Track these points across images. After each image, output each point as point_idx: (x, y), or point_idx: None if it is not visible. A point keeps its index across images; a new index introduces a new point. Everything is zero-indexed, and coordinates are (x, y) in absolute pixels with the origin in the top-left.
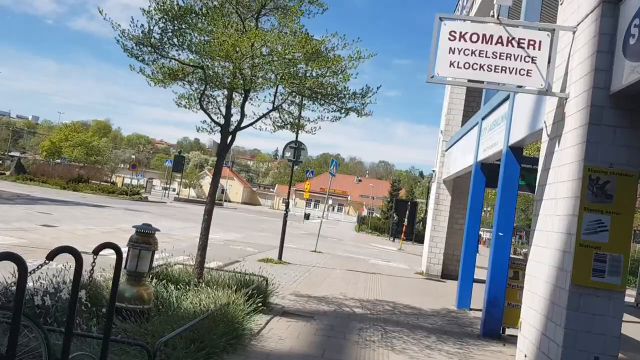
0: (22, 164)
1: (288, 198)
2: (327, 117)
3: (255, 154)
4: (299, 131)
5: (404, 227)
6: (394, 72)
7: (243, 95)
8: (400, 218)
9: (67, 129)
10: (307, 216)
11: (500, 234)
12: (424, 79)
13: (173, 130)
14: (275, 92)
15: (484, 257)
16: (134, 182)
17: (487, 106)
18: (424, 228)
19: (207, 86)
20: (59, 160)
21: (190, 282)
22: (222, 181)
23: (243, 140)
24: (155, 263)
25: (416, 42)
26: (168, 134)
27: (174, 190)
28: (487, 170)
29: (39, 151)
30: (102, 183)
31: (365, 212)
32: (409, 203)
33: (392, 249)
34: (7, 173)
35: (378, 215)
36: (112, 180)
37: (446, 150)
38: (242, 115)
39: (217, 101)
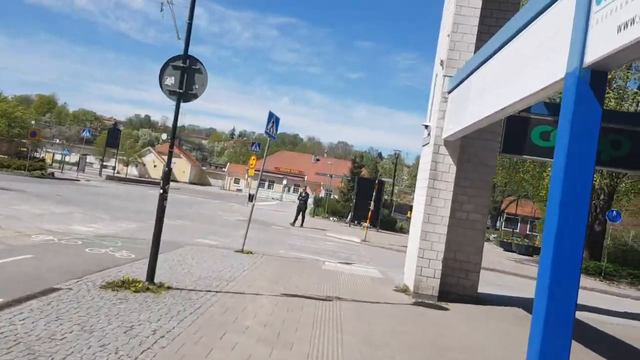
0: None
1: (168, 166)
2: None
3: (211, 132)
4: None
5: (370, 212)
6: (356, 53)
7: None
8: (304, 198)
9: None
10: (251, 197)
11: None
12: (387, 60)
13: (128, 108)
14: None
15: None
16: (67, 158)
17: None
18: (390, 212)
19: None
20: None
21: None
22: (166, 158)
23: (197, 119)
24: None
25: (379, 24)
26: (123, 112)
27: (113, 168)
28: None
29: None
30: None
31: (322, 193)
32: (376, 182)
33: (354, 240)
34: None
35: (337, 197)
36: (38, 156)
37: (450, 92)
38: None
39: None
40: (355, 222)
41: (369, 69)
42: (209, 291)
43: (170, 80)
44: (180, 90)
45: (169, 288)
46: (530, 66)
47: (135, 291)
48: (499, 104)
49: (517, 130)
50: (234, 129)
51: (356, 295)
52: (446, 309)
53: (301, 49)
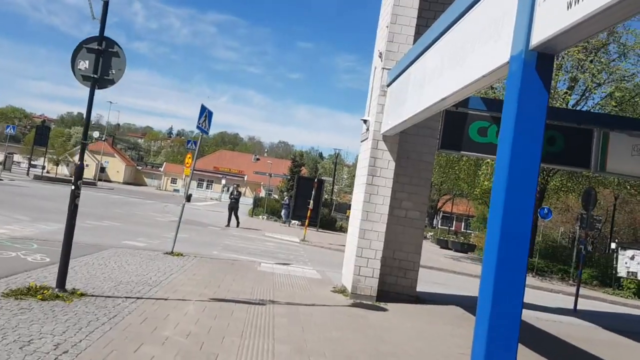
0: None
1: (81, 160)
2: None
3: (147, 131)
4: None
5: (309, 211)
6: (297, 54)
7: None
8: (236, 196)
9: None
10: (188, 198)
11: None
12: (327, 62)
13: (61, 106)
14: None
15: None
16: None
17: None
18: (330, 212)
19: None
20: None
21: None
22: (98, 157)
23: (134, 118)
24: None
25: (319, 25)
26: (55, 110)
27: (43, 167)
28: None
29: None
30: None
31: (262, 193)
32: (316, 181)
33: (293, 240)
34: None
35: (276, 197)
36: None
37: (389, 85)
38: None
39: None
40: (292, 221)
41: (310, 70)
42: (129, 297)
43: (84, 65)
44: (95, 76)
45: (82, 295)
46: (473, 52)
47: (42, 299)
48: (439, 94)
49: (455, 126)
50: (171, 128)
51: (292, 298)
52: (385, 310)
53: (241, 48)
